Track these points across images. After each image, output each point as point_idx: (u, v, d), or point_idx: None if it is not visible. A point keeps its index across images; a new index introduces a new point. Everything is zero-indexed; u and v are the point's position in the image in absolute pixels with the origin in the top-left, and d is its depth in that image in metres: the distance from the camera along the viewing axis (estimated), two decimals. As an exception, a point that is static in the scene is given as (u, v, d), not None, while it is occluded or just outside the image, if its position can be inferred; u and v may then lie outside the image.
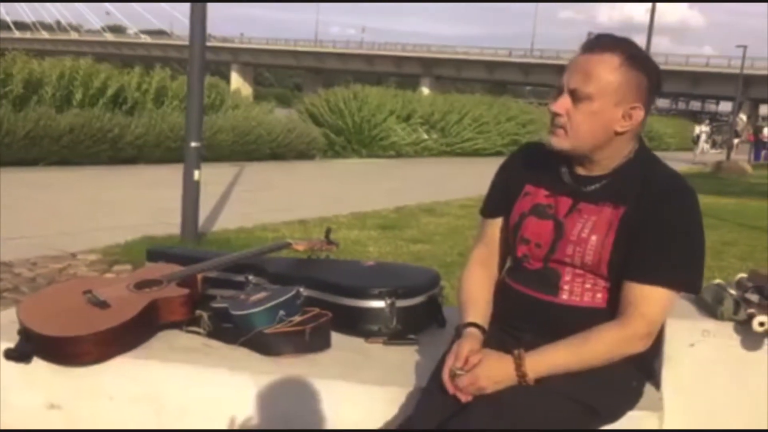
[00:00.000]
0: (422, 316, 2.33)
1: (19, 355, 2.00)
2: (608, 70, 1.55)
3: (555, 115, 1.60)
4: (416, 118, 17.62)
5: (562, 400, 1.51)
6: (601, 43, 1.59)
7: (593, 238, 1.59)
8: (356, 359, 2.12)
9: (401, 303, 2.26)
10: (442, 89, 34.01)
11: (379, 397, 1.93)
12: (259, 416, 1.97)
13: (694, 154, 26.15)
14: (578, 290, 1.63)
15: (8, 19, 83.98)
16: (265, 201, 8.14)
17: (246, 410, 1.98)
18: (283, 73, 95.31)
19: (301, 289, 2.29)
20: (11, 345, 2.03)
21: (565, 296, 1.64)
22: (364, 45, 79.11)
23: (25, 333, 2.02)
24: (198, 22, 5.03)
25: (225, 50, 71.78)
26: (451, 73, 67.02)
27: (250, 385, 1.99)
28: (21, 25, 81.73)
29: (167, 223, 5.77)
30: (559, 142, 1.62)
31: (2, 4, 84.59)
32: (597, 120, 1.57)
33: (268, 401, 1.97)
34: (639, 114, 1.59)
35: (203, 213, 5.65)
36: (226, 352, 2.11)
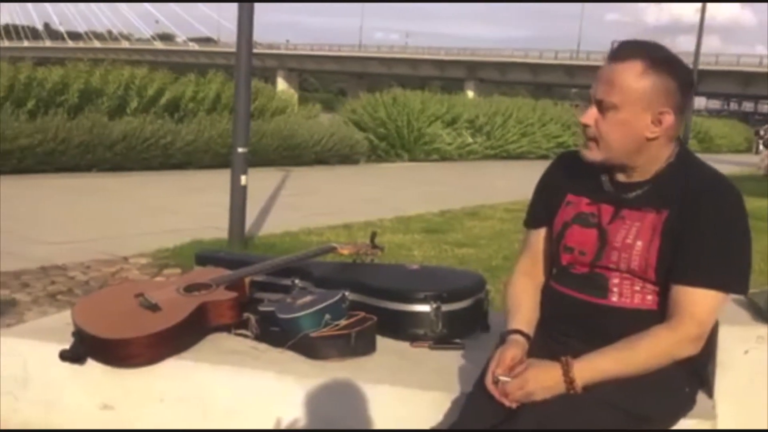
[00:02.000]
0: (468, 320, 2.32)
1: (73, 356, 2.06)
2: (632, 78, 1.53)
3: (585, 126, 1.60)
4: (461, 121, 17.55)
5: (611, 408, 1.48)
6: (623, 50, 1.57)
7: (638, 243, 1.57)
8: (401, 363, 2.12)
9: (447, 307, 2.26)
10: (486, 92, 33.85)
11: (424, 401, 1.93)
12: (305, 419, 1.99)
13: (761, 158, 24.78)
14: (628, 292, 1.61)
15: (62, 29, 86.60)
16: (310, 205, 8.21)
17: (292, 413, 2.00)
18: (328, 78, 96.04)
19: (347, 293, 2.30)
20: (66, 346, 2.10)
21: (614, 298, 1.62)
22: (407, 49, 79.20)
23: (79, 335, 2.08)
24: (245, 28, 5.10)
25: (271, 56, 72.66)
26: (494, 76, 66.59)
27: (297, 388, 2.01)
28: (74, 35, 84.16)
29: (215, 227, 5.86)
30: (592, 155, 1.62)
31: (55, 14, 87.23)
32: (626, 129, 1.56)
33: (313, 404, 1.99)
34: (669, 118, 1.56)
35: (249, 217, 5.72)
36: (274, 356, 2.13)
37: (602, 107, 1.57)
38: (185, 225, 6.30)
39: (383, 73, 72.46)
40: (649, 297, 1.60)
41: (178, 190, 9.29)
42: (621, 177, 1.66)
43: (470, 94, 31.47)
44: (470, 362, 2.05)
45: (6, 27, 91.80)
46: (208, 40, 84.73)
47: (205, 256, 2.77)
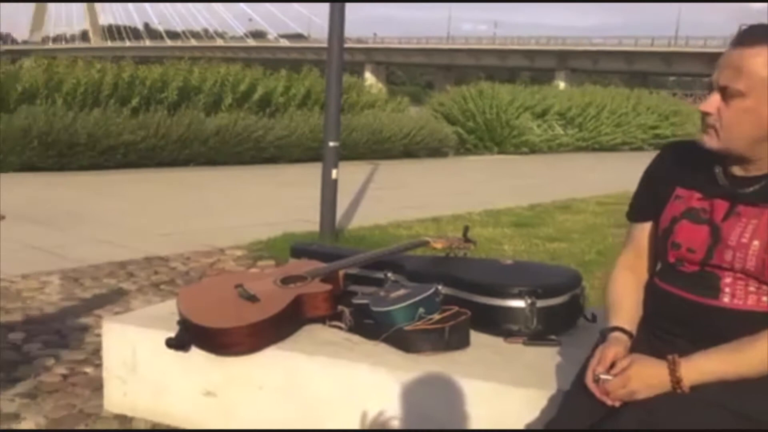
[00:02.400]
0: (564, 316, 2.28)
1: (178, 343, 2.15)
2: (761, 65, 1.45)
3: (705, 114, 1.53)
4: (552, 113, 17.19)
5: (720, 409, 1.42)
6: (752, 35, 1.49)
7: (755, 243, 1.49)
8: (495, 359, 2.11)
9: (542, 303, 2.22)
10: (577, 82, 33.01)
11: (518, 398, 1.91)
12: (398, 412, 2.00)
13: None
14: (741, 293, 1.53)
15: (161, 28, 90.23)
16: (399, 198, 8.24)
17: (385, 405, 2.02)
18: (415, 70, 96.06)
19: (440, 287, 2.30)
20: (172, 334, 2.19)
21: (726, 299, 1.54)
22: (496, 40, 78.19)
23: (183, 323, 2.17)
24: (336, 24, 5.17)
25: (359, 50, 73.31)
26: (587, 65, 64.80)
27: (390, 380, 2.02)
28: (172, 34, 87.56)
29: (306, 220, 5.97)
30: (711, 142, 1.54)
31: (154, 15, 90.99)
32: (750, 118, 1.48)
33: (407, 397, 2.00)
34: None
35: (339, 210, 5.80)
36: (367, 348, 2.16)
37: (726, 94, 1.49)
38: (277, 218, 6.45)
39: (471, 65, 71.78)
40: (764, 299, 1.52)
41: (270, 183, 9.53)
42: (737, 170, 1.57)
43: (561, 85, 30.70)
44: (566, 359, 2.01)
45: (109, 28, 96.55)
46: (298, 36, 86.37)
47: (299, 248, 2.83)
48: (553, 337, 2.20)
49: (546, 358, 2.08)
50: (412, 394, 2.00)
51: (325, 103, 5.51)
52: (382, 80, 65.69)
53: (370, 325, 2.20)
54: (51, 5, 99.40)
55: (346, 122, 11.36)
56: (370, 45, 79.18)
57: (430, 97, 20.02)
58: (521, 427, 1.87)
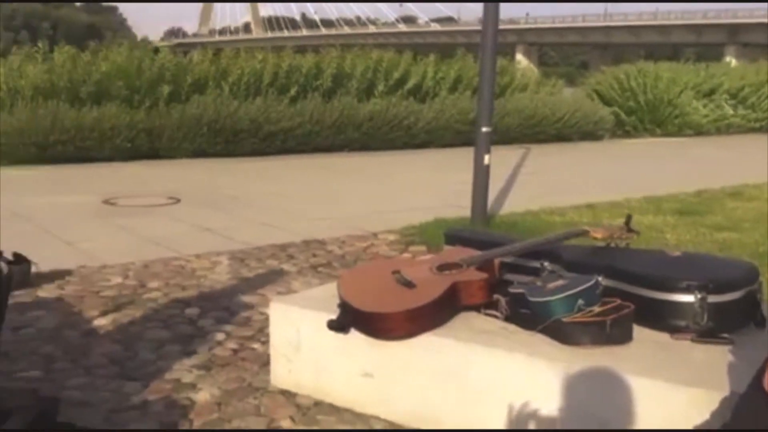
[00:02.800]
0: (738, 313, 2.14)
1: (339, 326, 2.23)
2: None
3: None
4: (721, 92, 15.99)
5: None
6: None
7: None
8: (660, 356, 2.01)
9: (713, 298, 2.09)
10: (750, 58, 30.40)
11: (685, 398, 1.82)
12: (558, 404, 1.96)
13: None
14: None
15: (316, 17, 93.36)
16: (552, 184, 8.04)
17: (540, 397, 1.99)
18: (569, 50, 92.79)
19: (600, 279, 2.23)
20: (333, 316, 2.28)
21: None
22: (658, 15, 73.72)
23: (343, 306, 2.25)
24: (491, 7, 5.10)
25: (511, 32, 71.85)
26: (761, 38, 59.50)
27: (548, 371, 1.99)
28: (327, 23, 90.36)
29: (456, 205, 5.97)
30: None
31: (311, 5, 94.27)
32: None
33: (566, 391, 1.96)
34: None
35: (491, 196, 5.75)
36: (524, 338, 2.14)
37: None
38: (429, 203, 6.50)
39: (630, 43, 68.24)
40: None
41: (420, 168, 9.61)
42: None
43: (732, 61, 28.41)
44: (740, 360, 1.89)
45: (269, 19, 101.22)
46: (449, 20, 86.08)
47: (454, 235, 2.84)
48: (725, 335, 2.07)
49: (717, 357, 1.96)
50: (572, 387, 1.95)
51: (478, 88, 5.47)
52: (534, 62, 64.06)
53: (527, 315, 2.17)
54: (218, 2, 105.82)
55: (498, 106, 11.22)
56: (522, 26, 77.34)
57: (585, 77, 19.24)
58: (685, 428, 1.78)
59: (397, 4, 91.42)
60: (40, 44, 10.22)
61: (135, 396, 2.48)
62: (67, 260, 4.21)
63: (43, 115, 8.71)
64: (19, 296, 3.48)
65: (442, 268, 2.33)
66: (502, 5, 5.24)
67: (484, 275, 2.28)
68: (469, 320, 2.27)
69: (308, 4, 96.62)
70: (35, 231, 5.09)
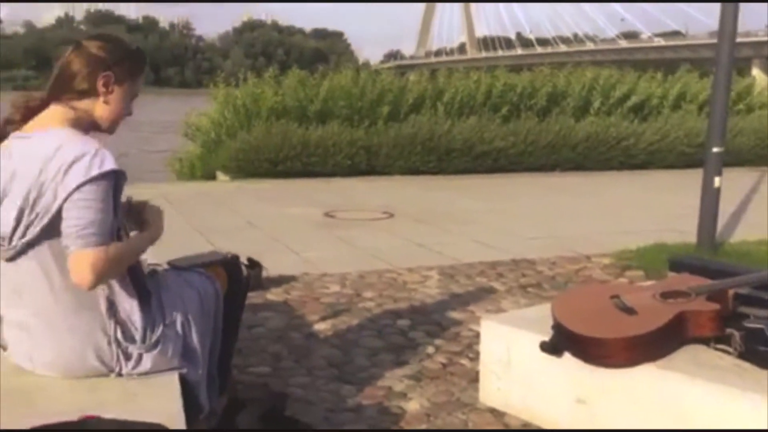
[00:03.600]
0: None
1: (552, 348, 2.19)
2: None
3: None
4: None
5: None
6: None
7: None
8: None
9: None
10: None
11: None
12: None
13: None
14: None
15: (532, 36, 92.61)
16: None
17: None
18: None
19: None
20: (545, 338, 2.24)
21: None
22: None
23: (558, 328, 2.19)
24: (728, 20, 4.73)
25: (746, 45, 65.97)
26: None
27: (788, 418, 1.79)
28: (542, 41, 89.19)
29: (678, 230, 5.60)
30: None
31: (526, 23, 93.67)
32: None
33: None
34: None
35: (719, 221, 5.31)
36: (761, 377, 1.94)
37: None
38: (647, 226, 6.16)
39: None
40: None
41: (639, 190, 9.13)
42: None
43: None
44: None
45: (484, 39, 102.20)
46: (675, 34, 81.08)
47: (679, 262, 2.66)
48: None
49: None
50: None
51: (709, 106, 5.09)
52: (772, 77, 58.14)
53: (766, 353, 1.97)
54: (434, 23, 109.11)
55: (731, 125, 10.37)
56: (760, 38, 70.71)
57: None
58: None
59: (617, 19, 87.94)
60: (271, 69, 11.19)
61: (350, 399, 2.61)
62: (292, 267, 4.55)
63: (275, 134, 9.51)
64: (252, 297, 3.82)
65: (667, 295, 2.19)
66: (741, 16, 4.84)
67: (715, 306, 2.11)
68: (695, 353, 2.11)
69: (524, 23, 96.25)
70: (265, 239, 5.56)
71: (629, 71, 12.87)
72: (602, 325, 2.11)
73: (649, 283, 2.41)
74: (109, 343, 1.79)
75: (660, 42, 77.04)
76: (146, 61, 1.99)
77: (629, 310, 2.14)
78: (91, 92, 1.84)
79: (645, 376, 2.04)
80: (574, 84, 11.70)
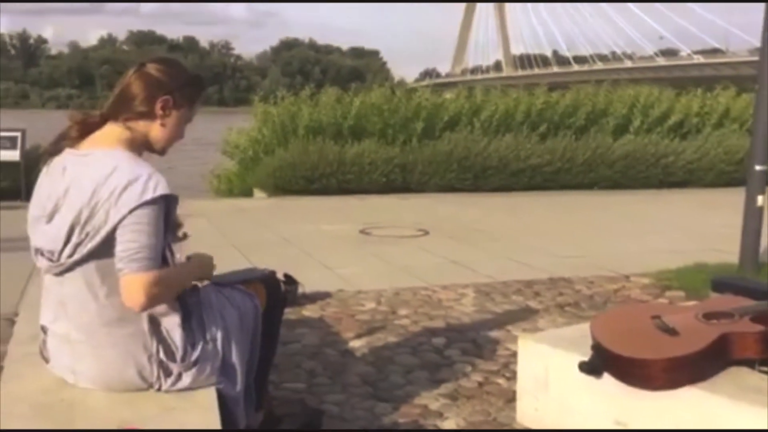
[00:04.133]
0: None
1: (591, 368, 2.15)
2: None
3: None
4: None
5: None
6: None
7: None
8: None
9: None
10: None
11: None
12: None
13: None
14: None
15: (568, 54, 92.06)
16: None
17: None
18: None
19: None
20: (583, 357, 2.20)
21: None
22: None
23: (597, 349, 2.16)
24: (769, 36, 4.66)
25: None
26: None
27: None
28: (579, 59, 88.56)
29: (719, 250, 5.49)
30: None
31: (563, 41, 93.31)
32: None
33: None
34: None
35: (763, 241, 5.20)
36: (809, 403, 1.88)
37: None
38: (687, 246, 6.05)
39: None
40: None
41: (678, 209, 8.99)
42: None
43: None
44: None
45: (520, 57, 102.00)
46: (714, 51, 79.90)
47: (722, 282, 2.61)
48: None
49: None
50: None
51: (753, 124, 4.99)
52: (816, 94, 56.77)
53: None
54: (471, 41, 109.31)
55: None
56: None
57: None
58: None
59: (656, 36, 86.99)
60: (307, 88, 11.32)
61: (386, 417, 2.60)
62: (327, 283, 4.56)
63: (312, 151, 9.60)
64: (287, 314, 3.83)
65: (710, 316, 2.14)
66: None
67: (760, 327, 2.06)
68: (739, 376, 2.05)
69: (561, 41, 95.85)
70: (301, 255, 5.59)
71: (667, 89, 12.71)
72: (643, 345, 2.07)
73: (690, 303, 2.36)
74: (150, 360, 1.81)
75: (700, 59, 76.06)
76: (205, 87, 2.03)
77: (671, 331, 2.10)
78: (149, 114, 1.88)
79: (687, 398, 2.00)
80: (616, 103, 11.60)
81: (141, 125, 1.88)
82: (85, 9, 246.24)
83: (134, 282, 1.69)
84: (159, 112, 1.88)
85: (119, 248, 1.71)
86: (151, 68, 1.91)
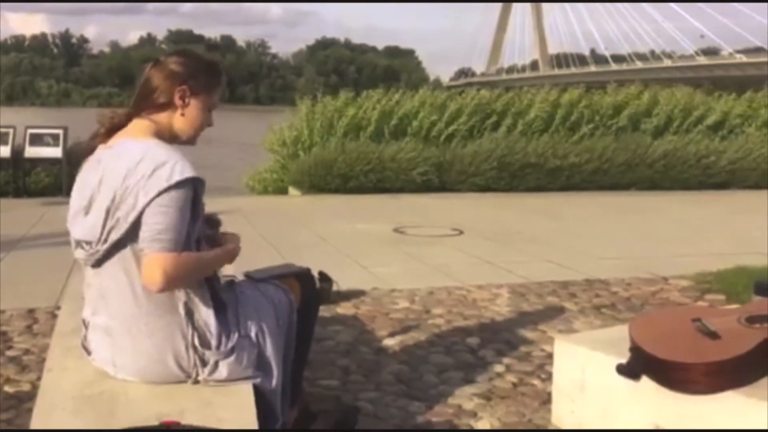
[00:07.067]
0: None
1: (629, 371, 2.12)
2: None
3: None
4: None
5: None
6: None
7: None
8: None
9: None
10: None
11: None
12: None
13: None
14: None
15: (606, 53, 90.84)
16: None
17: None
18: None
19: None
20: (621, 360, 2.17)
21: None
22: None
23: (636, 351, 2.13)
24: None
25: (838, 59, 63.01)
26: None
27: None
28: (617, 58, 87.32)
29: (761, 252, 5.36)
30: None
31: (601, 40, 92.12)
32: None
33: None
34: None
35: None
36: None
37: None
38: (727, 248, 5.93)
39: None
40: None
41: (719, 210, 8.81)
42: None
43: None
44: None
45: (556, 56, 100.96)
46: (758, 50, 78.06)
47: (765, 285, 2.55)
48: None
49: None
50: None
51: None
52: None
53: None
54: (506, 40, 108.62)
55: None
56: None
57: None
58: None
59: (697, 35, 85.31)
60: (345, 90, 11.39)
61: (419, 416, 2.60)
62: (361, 282, 4.57)
63: (350, 150, 9.63)
64: (322, 311, 3.85)
65: (753, 320, 2.09)
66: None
67: (806, 332, 2.01)
68: (787, 381, 2.01)
69: (599, 39, 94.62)
70: (336, 253, 5.61)
71: (710, 89, 12.47)
72: (683, 348, 2.03)
73: (732, 306, 2.31)
74: (187, 348, 1.84)
75: (742, 58, 74.38)
76: (222, 74, 2.05)
77: (712, 334, 2.05)
78: (169, 105, 1.92)
79: (728, 403, 1.96)
80: (662, 103, 11.42)
81: (163, 117, 1.92)
82: (126, 9, 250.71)
83: (154, 261, 1.72)
84: (178, 102, 1.92)
85: (144, 229, 1.75)
86: (168, 61, 1.96)
